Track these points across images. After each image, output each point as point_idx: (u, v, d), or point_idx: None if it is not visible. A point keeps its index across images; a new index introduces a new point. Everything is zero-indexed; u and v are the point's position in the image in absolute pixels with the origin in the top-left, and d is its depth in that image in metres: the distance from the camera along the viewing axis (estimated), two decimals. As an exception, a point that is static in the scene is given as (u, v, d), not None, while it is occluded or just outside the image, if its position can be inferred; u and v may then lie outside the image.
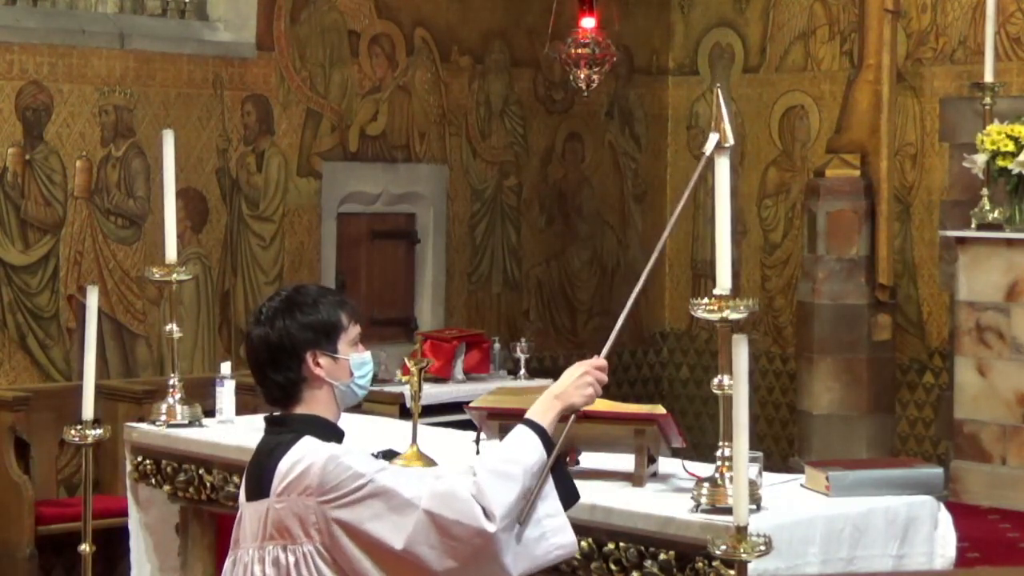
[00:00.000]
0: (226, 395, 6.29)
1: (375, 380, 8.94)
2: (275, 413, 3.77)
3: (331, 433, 3.71)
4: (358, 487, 3.52)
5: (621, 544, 4.54)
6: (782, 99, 10.97)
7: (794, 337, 10.53)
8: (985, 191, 8.76)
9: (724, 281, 4.30)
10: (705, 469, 4.69)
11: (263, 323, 3.72)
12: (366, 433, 5.63)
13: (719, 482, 4.41)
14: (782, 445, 10.72)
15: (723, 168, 4.30)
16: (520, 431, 3.64)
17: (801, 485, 4.92)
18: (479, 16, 10.43)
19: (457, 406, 7.36)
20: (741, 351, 3.51)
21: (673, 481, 4.89)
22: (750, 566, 3.65)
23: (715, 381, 4.36)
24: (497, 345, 9.49)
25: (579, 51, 9.64)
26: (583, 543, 4.56)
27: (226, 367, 6.37)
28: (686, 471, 4.87)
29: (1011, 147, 8.58)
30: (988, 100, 8.95)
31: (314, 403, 3.73)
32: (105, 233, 8.73)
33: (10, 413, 7.88)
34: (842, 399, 9.89)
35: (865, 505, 4.67)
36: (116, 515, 7.19)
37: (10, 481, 7.79)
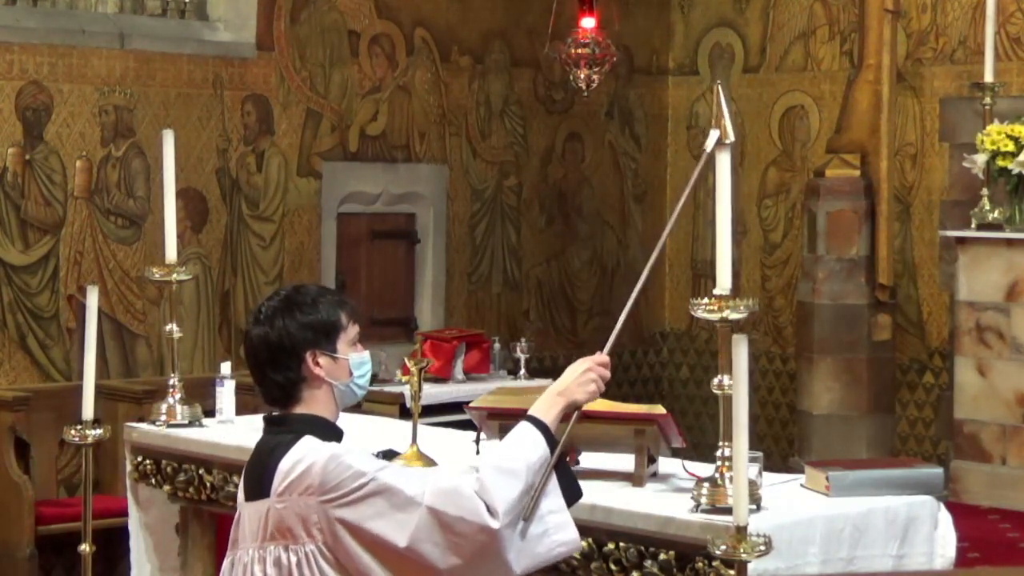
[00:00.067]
0: (226, 395, 6.29)
1: (375, 380, 8.99)
2: (274, 413, 3.76)
3: (331, 433, 3.70)
4: (360, 486, 3.52)
5: (621, 544, 4.54)
6: (782, 99, 10.97)
7: (794, 337, 10.53)
8: (985, 191, 8.76)
9: (724, 281, 4.30)
10: (705, 469, 4.69)
11: (262, 323, 3.72)
12: (366, 433, 5.63)
13: (719, 482, 4.41)
14: (782, 445, 10.72)
15: (724, 165, 4.29)
16: (523, 428, 3.63)
17: (801, 485, 4.92)
18: (479, 16, 10.43)
19: (457, 406, 7.36)
20: (741, 351, 3.51)
21: (673, 481, 4.89)
22: (750, 566, 3.65)
23: (715, 381, 4.36)
24: (497, 345, 9.49)
25: (579, 51, 9.64)
26: (583, 543, 4.56)
27: (226, 367, 6.37)
28: (686, 471, 4.87)
29: (1011, 147, 8.58)
30: (988, 100, 8.95)
31: (313, 403, 3.72)
32: (105, 233, 8.73)
33: (10, 413, 7.88)
34: (842, 399, 9.89)
35: (865, 505, 4.67)
36: (116, 515, 7.19)
37: (10, 481, 7.79)
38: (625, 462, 4.88)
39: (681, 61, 11.51)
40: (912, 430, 10.26)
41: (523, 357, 9.27)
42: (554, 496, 3.60)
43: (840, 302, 9.90)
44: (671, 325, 11.51)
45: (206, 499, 5.88)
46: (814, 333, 9.93)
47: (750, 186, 11.06)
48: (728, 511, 3.82)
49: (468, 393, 7.80)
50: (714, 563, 4.28)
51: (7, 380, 8.30)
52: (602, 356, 3.78)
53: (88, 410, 4.87)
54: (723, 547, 3.50)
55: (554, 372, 3.84)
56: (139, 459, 6.15)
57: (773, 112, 11.01)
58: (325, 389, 3.73)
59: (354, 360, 3.77)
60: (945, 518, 4.85)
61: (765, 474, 4.69)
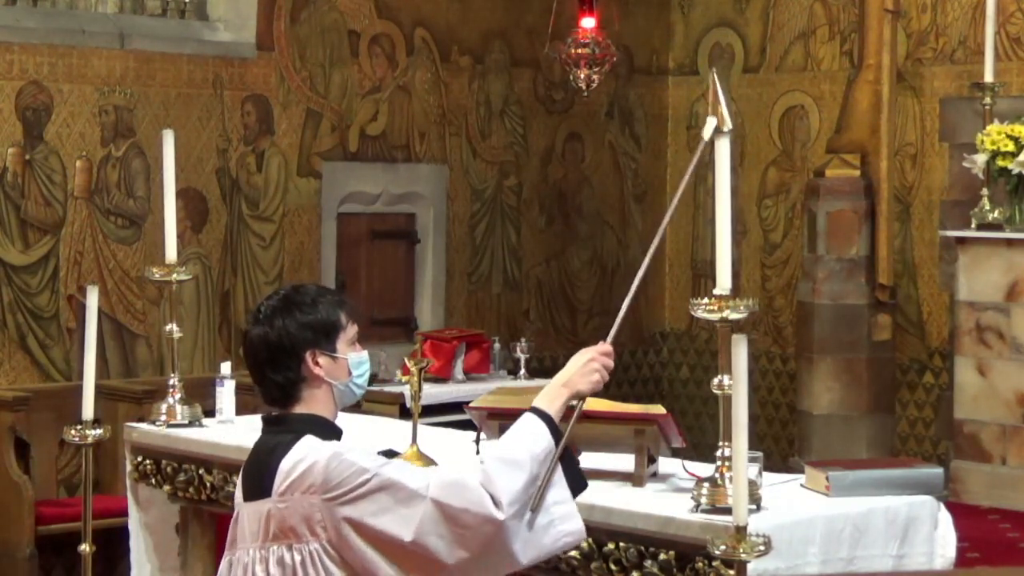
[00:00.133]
0: (226, 395, 6.29)
1: (375, 380, 9.00)
2: (273, 413, 3.76)
3: (330, 432, 3.70)
4: (363, 482, 3.52)
5: (621, 544, 4.54)
6: (782, 99, 10.97)
7: (794, 337, 10.53)
8: (985, 191, 8.76)
9: (724, 281, 4.29)
10: (705, 469, 4.69)
11: (262, 322, 3.71)
12: (366, 433, 5.63)
13: (719, 482, 4.41)
14: (782, 445, 10.72)
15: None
16: (527, 419, 3.63)
17: (801, 485, 4.92)
18: (479, 16, 10.43)
19: (457, 406, 7.36)
20: (741, 351, 3.51)
21: (673, 481, 4.89)
22: (750, 566, 3.65)
23: (715, 381, 4.36)
24: (497, 345, 9.49)
25: (579, 51, 9.64)
26: (583, 543, 4.56)
27: (226, 367, 6.37)
28: (686, 471, 4.87)
29: (1011, 147, 8.59)
30: (988, 100, 8.95)
31: (313, 402, 3.72)
32: (105, 233, 8.73)
33: (10, 413, 7.88)
34: (842, 399, 9.89)
35: (865, 505, 4.67)
36: (116, 515, 7.19)
37: (10, 481, 7.79)
38: (625, 462, 4.88)
39: (681, 61, 11.51)
40: (912, 430, 10.26)
41: (523, 357, 9.27)
42: (559, 487, 3.59)
43: (840, 302, 9.90)
44: (671, 325, 11.51)
45: (206, 499, 5.89)
46: (814, 333, 9.93)
47: (750, 186, 11.05)
48: (728, 511, 3.82)
49: (468, 393, 7.80)
50: (714, 563, 4.28)
51: (7, 380, 8.30)
52: (605, 346, 3.77)
53: (88, 410, 4.87)
54: (723, 547, 3.50)
55: (554, 372, 3.83)
56: (139, 459, 6.15)
57: (773, 112, 11.01)
58: (324, 389, 3.73)
59: (353, 360, 3.77)
60: (945, 518, 4.85)
61: (765, 474, 4.69)
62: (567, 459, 3.65)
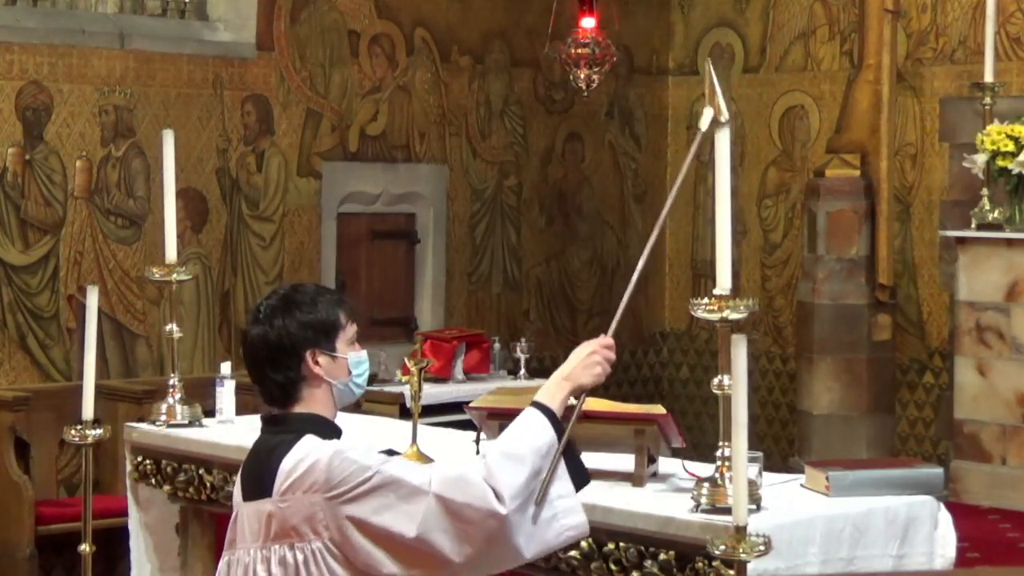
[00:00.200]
0: (226, 395, 6.29)
1: (375, 380, 9.00)
2: (272, 412, 3.76)
3: (330, 431, 3.70)
4: (365, 479, 3.51)
5: (621, 544, 4.54)
6: (782, 99, 10.97)
7: (794, 337, 10.53)
8: (985, 191, 8.76)
9: (724, 281, 4.30)
10: (705, 469, 4.69)
11: (261, 322, 3.71)
12: (366, 433, 5.62)
13: (719, 482, 4.41)
14: (782, 445, 10.72)
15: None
16: (529, 413, 3.62)
17: (801, 485, 4.91)
18: (479, 16, 10.44)
19: (457, 406, 7.36)
20: (740, 351, 3.51)
21: (673, 481, 4.89)
22: (750, 566, 3.65)
23: (715, 381, 4.36)
24: (497, 345, 9.49)
25: (579, 51, 9.65)
26: (583, 543, 4.57)
27: (226, 367, 6.37)
28: (686, 471, 4.87)
29: (1011, 147, 8.59)
30: (988, 100, 8.95)
31: (313, 402, 3.72)
32: (105, 233, 8.73)
33: (10, 413, 7.88)
34: (842, 399, 9.89)
35: (865, 505, 4.67)
36: (116, 515, 7.19)
37: (10, 481, 7.79)
38: (625, 462, 4.88)
39: (681, 61, 11.51)
40: (912, 430, 10.26)
41: (523, 357, 9.27)
42: (562, 481, 3.58)
43: (840, 302, 9.90)
44: (671, 325, 11.51)
45: (206, 499, 5.89)
46: (814, 333, 9.93)
47: (750, 186, 11.06)
48: (728, 511, 3.82)
49: (468, 393, 7.80)
50: (714, 563, 4.28)
51: (7, 380, 8.30)
52: (606, 339, 3.76)
53: (88, 410, 4.87)
54: (722, 547, 3.50)
55: (554, 372, 3.82)
56: (139, 459, 6.15)
57: (773, 112, 11.01)
58: (324, 388, 3.73)
59: (352, 359, 3.77)
60: (945, 518, 4.85)
61: (765, 474, 4.69)
62: (569, 453, 3.64)
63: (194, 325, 9.03)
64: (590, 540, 4.55)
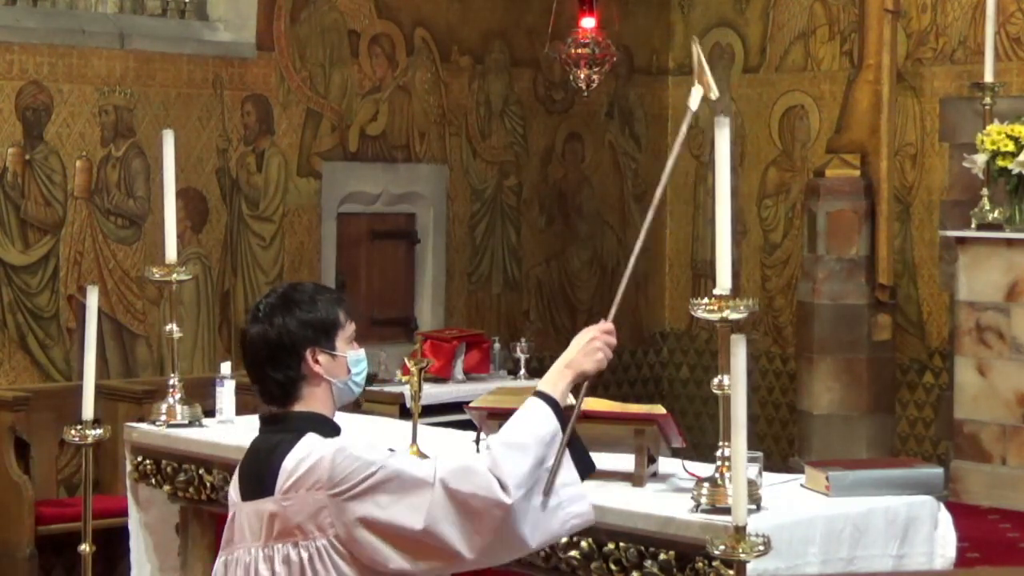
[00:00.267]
0: (226, 395, 6.29)
1: (375, 380, 9.00)
2: (272, 411, 3.75)
3: (330, 430, 3.70)
4: (369, 475, 3.50)
5: (621, 544, 4.54)
6: (782, 99, 10.98)
7: (794, 337, 10.53)
8: (985, 191, 8.76)
9: (724, 281, 4.30)
10: (705, 469, 4.69)
11: (261, 320, 3.71)
12: (366, 433, 5.62)
13: (719, 482, 4.41)
14: (782, 445, 10.72)
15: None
16: (532, 403, 3.61)
17: (801, 485, 4.91)
18: (479, 16, 10.44)
19: (457, 406, 7.36)
20: (739, 351, 3.51)
21: (673, 481, 4.88)
22: (750, 566, 3.65)
23: (715, 381, 4.36)
24: (497, 345, 9.49)
25: (579, 51, 9.65)
26: (583, 543, 4.57)
27: (226, 367, 6.36)
28: (686, 471, 4.87)
29: (1011, 147, 8.59)
30: (988, 100, 8.95)
31: (313, 400, 3.72)
32: (105, 233, 8.73)
33: (10, 413, 7.88)
34: (842, 399, 9.89)
35: (865, 505, 4.66)
36: (116, 515, 7.19)
37: (10, 481, 7.79)
38: (625, 462, 4.88)
39: (681, 61, 11.51)
40: (912, 430, 10.26)
41: (523, 357, 9.27)
42: (567, 469, 3.57)
43: (840, 302, 9.90)
44: (671, 325, 11.51)
45: (206, 499, 5.89)
46: (814, 333, 9.93)
47: (750, 186, 11.06)
48: (728, 511, 3.81)
49: (468, 393, 7.80)
50: (714, 563, 4.28)
51: (7, 380, 8.30)
52: (606, 324, 3.75)
53: (88, 410, 4.87)
54: (722, 547, 3.50)
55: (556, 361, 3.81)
56: (139, 459, 6.15)
57: (773, 112, 11.01)
58: (324, 387, 3.73)
59: (352, 358, 3.77)
60: (945, 518, 4.85)
61: (765, 474, 4.69)
62: (573, 441, 3.63)
63: (194, 325, 9.04)
64: (590, 540, 4.55)
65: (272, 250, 9.43)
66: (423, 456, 5.15)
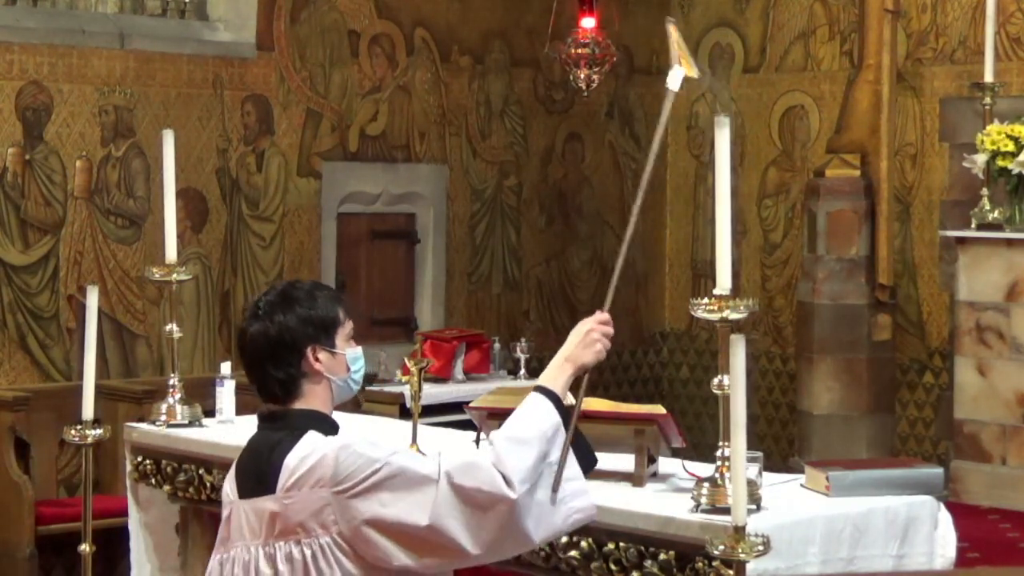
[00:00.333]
0: (226, 395, 6.29)
1: (375, 380, 9.00)
2: (271, 409, 3.74)
3: (329, 427, 3.70)
4: (374, 471, 3.49)
5: (621, 544, 4.54)
6: (782, 99, 10.97)
7: (794, 337, 10.53)
8: (985, 191, 8.76)
9: (724, 281, 4.30)
10: (705, 469, 4.69)
11: (261, 318, 3.70)
12: (366, 433, 5.62)
13: (719, 482, 4.41)
14: (782, 445, 10.72)
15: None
16: (533, 398, 3.61)
17: (801, 485, 4.91)
18: (479, 16, 10.44)
19: (457, 406, 7.36)
20: (739, 351, 3.51)
21: (673, 481, 4.88)
22: (750, 566, 3.65)
23: (715, 381, 4.36)
24: (497, 345, 9.49)
25: (579, 51, 9.65)
26: (583, 543, 4.57)
27: (226, 367, 6.36)
28: (686, 471, 4.87)
29: (1011, 147, 8.59)
30: (988, 100, 8.95)
31: (312, 398, 3.72)
32: (105, 233, 8.73)
33: (10, 413, 7.88)
34: (842, 399, 9.89)
35: (865, 505, 4.66)
36: (116, 515, 7.19)
37: (10, 481, 7.79)
38: (625, 462, 4.88)
39: (681, 61, 11.48)
40: (912, 430, 10.26)
41: (523, 357, 9.27)
42: (569, 464, 3.57)
43: (840, 302, 9.90)
44: (671, 325, 11.51)
45: (206, 499, 5.88)
46: (814, 333, 9.93)
47: (750, 186, 11.06)
48: (728, 511, 3.81)
49: (468, 393, 7.80)
50: (714, 563, 4.28)
51: (7, 380, 8.30)
52: (602, 315, 3.75)
53: (88, 410, 4.86)
54: (722, 547, 3.50)
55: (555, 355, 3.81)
56: (139, 459, 6.15)
57: (773, 112, 11.01)
58: (324, 384, 3.73)
59: (350, 355, 3.77)
60: (945, 518, 4.85)
61: (765, 474, 4.69)
62: (576, 437, 3.61)
63: (194, 325, 9.04)
64: (590, 540, 4.55)
65: (272, 250, 9.43)
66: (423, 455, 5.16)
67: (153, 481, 6.10)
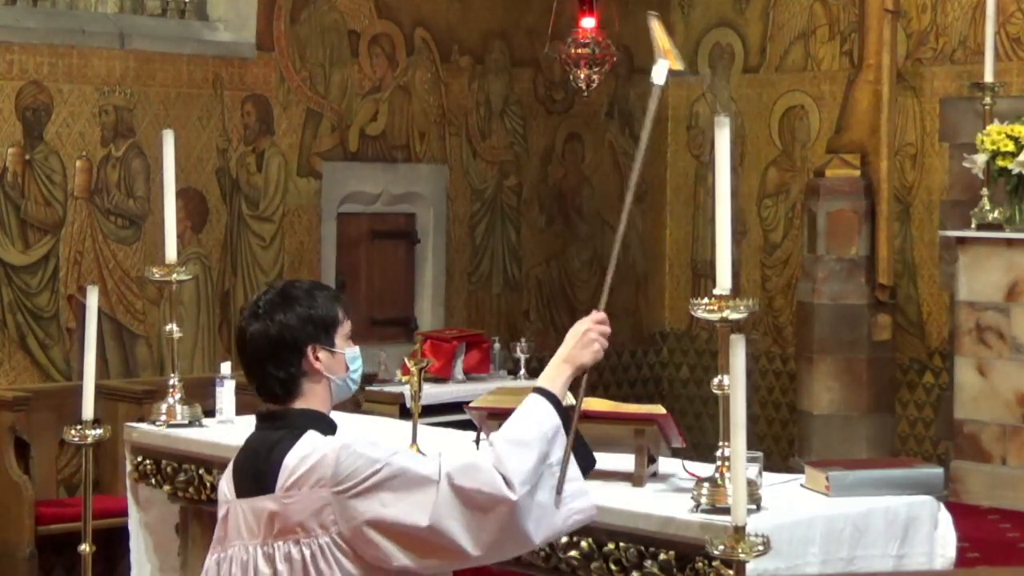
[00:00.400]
0: (226, 395, 6.29)
1: (375, 380, 9.00)
2: (270, 408, 3.74)
3: (328, 427, 3.69)
4: (374, 472, 3.49)
5: (621, 544, 4.54)
6: (782, 99, 10.97)
7: (794, 337, 10.53)
8: (985, 191, 8.76)
9: (724, 281, 4.30)
10: (705, 469, 4.69)
11: (261, 317, 3.70)
12: (365, 433, 5.62)
13: (719, 482, 4.41)
14: (782, 445, 10.72)
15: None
16: (533, 399, 3.60)
17: (801, 485, 4.91)
18: (479, 16, 10.43)
19: (457, 406, 7.36)
20: (739, 351, 3.51)
21: (673, 481, 4.89)
22: (750, 566, 3.65)
23: (715, 381, 4.36)
24: (497, 345, 9.48)
25: (579, 51, 9.65)
26: (583, 543, 4.57)
27: (226, 367, 6.36)
28: (686, 471, 4.87)
29: (1011, 147, 8.59)
30: (988, 100, 8.96)
31: (312, 397, 3.71)
32: (105, 233, 8.73)
33: (10, 413, 7.88)
34: (842, 399, 9.89)
35: (865, 505, 4.67)
36: (116, 515, 7.19)
37: (10, 481, 7.79)
38: (625, 462, 4.88)
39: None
40: (912, 430, 10.26)
41: (523, 357, 9.27)
42: (570, 465, 3.57)
43: (840, 302, 9.90)
44: (671, 325, 11.51)
45: (206, 499, 5.88)
46: (814, 333, 9.93)
47: (750, 186, 11.05)
48: (728, 511, 3.81)
49: (468, 393, 7.79)
50: (714, 563, 4.28)
51: (7, 380, 8.30)
52: (598, 314, 3.75)
53: (88, 410, 4.87)
54: (722, 547, 3.50)
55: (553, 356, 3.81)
56: (139, 459, 6.15)
57: (773, 112, 11.01)
58: (323, 384, 3.73)
59: (349, 355, 3.77)
60: (945, 518, 4.85)
61: (765, 474, 4.69)
62: (576, 438, 3.62)
63: (194, 325, 9.04)
64: (590, 540, 4.55)
65: (272, 250, 9.43)
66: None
67: (153, 481, 6.10)
